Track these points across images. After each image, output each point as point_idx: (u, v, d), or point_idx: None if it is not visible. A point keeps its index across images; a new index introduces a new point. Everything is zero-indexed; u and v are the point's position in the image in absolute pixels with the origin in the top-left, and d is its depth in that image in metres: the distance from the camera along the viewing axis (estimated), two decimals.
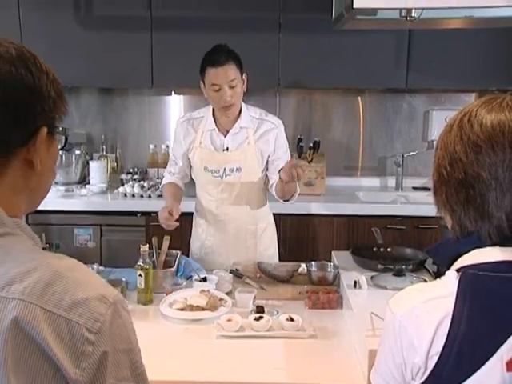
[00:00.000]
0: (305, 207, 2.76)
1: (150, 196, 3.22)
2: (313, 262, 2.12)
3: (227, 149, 2.34)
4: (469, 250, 0.89)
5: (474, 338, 0.82)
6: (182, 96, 3.70)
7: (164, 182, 2.49)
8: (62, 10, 3.22)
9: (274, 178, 2.34)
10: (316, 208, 3.06)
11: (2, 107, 0.72)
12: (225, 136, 2.35)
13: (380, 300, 1.71)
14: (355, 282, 1.85)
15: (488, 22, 2.44)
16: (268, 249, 2.50)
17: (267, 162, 2.38)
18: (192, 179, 2.50)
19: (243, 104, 2.36)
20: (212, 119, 2.35)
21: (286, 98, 3.57)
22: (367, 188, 3.57)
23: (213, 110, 2.35)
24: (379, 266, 1.96)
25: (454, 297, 0.85)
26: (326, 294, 1.91)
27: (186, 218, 3.11)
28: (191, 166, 2.44)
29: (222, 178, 2.35)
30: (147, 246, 2.00)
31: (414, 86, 3.37)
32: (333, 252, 2.28)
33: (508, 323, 0.82)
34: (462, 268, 0.88)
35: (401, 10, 2.29)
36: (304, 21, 3.18)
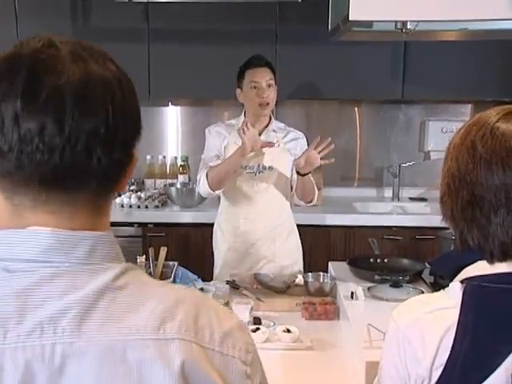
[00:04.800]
0: (301, 218, 2.76)
1: (146, 207, 3.21)
2: (309, 273, 2.12)
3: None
4: (472, 262, 0.89)
5: (478, 349, 0.81)
6: (179, 107, 3.71)
7: (203, 173, 2.36)
8: (59, 21, 3.23)
9: (294, 186, 2.44)
10: (313, 218, 3.06)
11: (114, 136, 0.65)
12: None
13: (377, 311, 1.71)
14: (352, 293, 1.84)
15: (483, 35, 2.47)
16: (292, 256, 2.51)
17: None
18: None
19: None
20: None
21: (282, 109, 3.57)
22: (364, 198, 3.57)
23: (245, 117, 2.43)
24: (376, 277, 1.95)
25: (458, 308, 0.84)
26: (322, 305, 1.90)
27: (181, 228, 3.13)
28: None
29: (255, 175, 2.39)
30: (144, 257, 1.99)
31: (410, 97, 3.39)
32: (329, 263, 2.27)
33: None
34: (466, 279, 0.87)
35: (396, 22, 2.31)
36: (301, 32, 3.20)
